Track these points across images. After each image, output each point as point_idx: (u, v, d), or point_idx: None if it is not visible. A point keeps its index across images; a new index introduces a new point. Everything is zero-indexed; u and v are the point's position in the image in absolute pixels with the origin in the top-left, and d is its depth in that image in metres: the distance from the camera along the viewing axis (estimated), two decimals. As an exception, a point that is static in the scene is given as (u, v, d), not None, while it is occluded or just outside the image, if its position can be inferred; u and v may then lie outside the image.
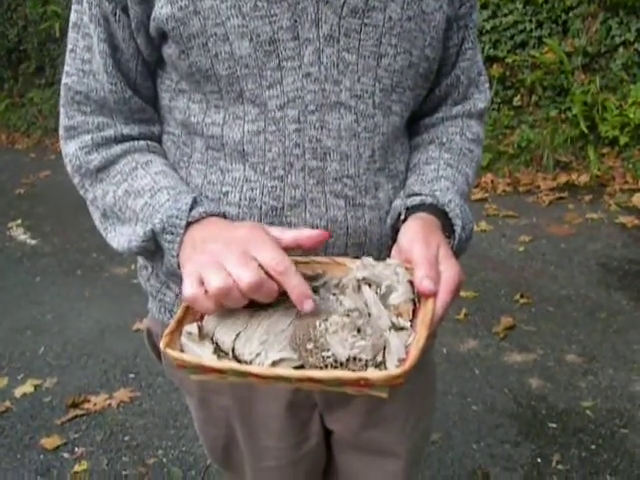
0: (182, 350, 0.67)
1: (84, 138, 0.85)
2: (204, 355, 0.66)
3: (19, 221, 4.65)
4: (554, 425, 2.27)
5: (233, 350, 0.66)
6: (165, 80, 0.86)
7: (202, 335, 0.67)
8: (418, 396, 1.05)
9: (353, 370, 0.62)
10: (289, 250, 0.71)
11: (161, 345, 0.65)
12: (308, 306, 0.65)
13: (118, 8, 0.79)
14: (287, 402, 0.95)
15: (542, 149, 4.58)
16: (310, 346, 0.63)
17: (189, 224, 0.75)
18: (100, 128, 0.85)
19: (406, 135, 0.95)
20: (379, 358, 0.63)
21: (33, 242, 4.29)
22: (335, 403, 0.99)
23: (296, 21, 0.78)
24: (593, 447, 2.15)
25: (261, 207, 0.82)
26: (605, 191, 4.27)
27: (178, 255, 0.75)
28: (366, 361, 0.62)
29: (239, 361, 0.65)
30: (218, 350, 0.67)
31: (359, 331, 0.64)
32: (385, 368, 0.63)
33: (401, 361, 0.63)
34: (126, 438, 2.34)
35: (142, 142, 0.87)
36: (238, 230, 0.71)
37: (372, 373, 0.59)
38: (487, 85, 1.01)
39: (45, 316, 3.26)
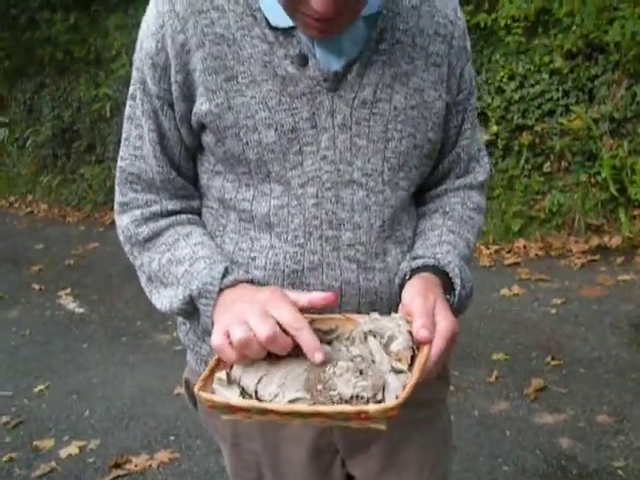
0: (214, 393, 0.79)
1: (135, 213, 1.00)
2: (231, 397, 0.77)
3: (68, 290, 4.83)
4: (586, 486, 2.28)
5: (256, 392, 0.78)
6: (204, 163, 1.01)
7: (230, 381, 0.80)
8: (433, 445, 1.13)
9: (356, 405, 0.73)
10: (306, 310, 0.84)
11: (195, 389, 0.77)
12: (318, 357, 0.77)
13: (165, 104, 0.95)
14: (311, 447, 1.05)
15: (573, 213, 4.64)
16: (320, 387, 0.75)
17: (221, 290, 0.89)
18: (148, 204, 1.00)
19: (413, 205, 1.07)
20: (379, 396, 0.74)
21: (81, 310, 4.46)
22: (355, 448, 1.08)
23: (314, 113, 0.92)
24: (626, 508, 2.16)
25: (284, 270, 0.95)
26: (637, 252, 4.29)
27: (212, 316, 0.88)
28: (367, 399, 0.73)
29: (260, 401, 0.77)
30: (244, 393, 0.79)
31: (361, 373, 0.75)
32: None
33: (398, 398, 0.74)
34: (166, 498, 2.42)
35: (184, 216, 1.01)
36: (261, 293, 0.84)
37: (370, 406, 0.70)
38: (487, 159, 1.13)
39: (91, 381, 3.39)
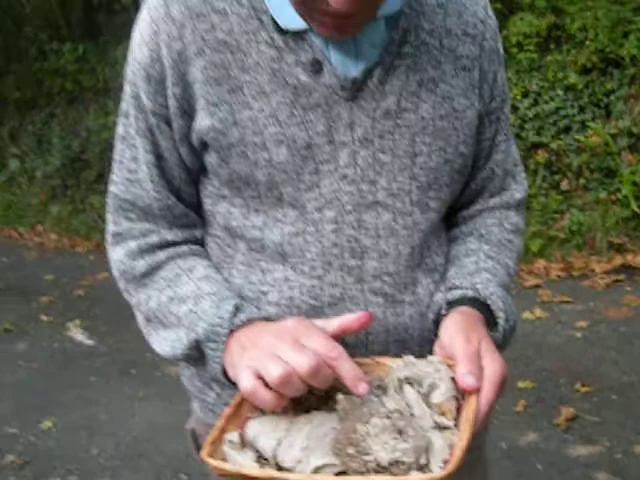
0: (224, 458, 0.67)
1: (130, 244, 0.89)
2: (246, 463, 0.65)
3: (77, 321, 4.73)
4: (628, 525, 2.13)
5: (275, 457, 0.65)
6: (207, 186, 0.90)
7: (244, 443, 0.67)
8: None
9: (395, 474, 0.60)
10: (336, 339, 0.72)
11: (202, 454, 0.65)
12: (363, 389, 0.67)
13: (162, 121, 0.84)
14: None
15: (594, 232, 4.51)
16: (351, 451, 0.62)
17: (232, 331, 0.77)
18: (145, 235, 0.89)
19: (443, 228, 0.96)
20: (422, 460, 0.62)
21: (90, 342, 4.36)
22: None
23: (331, 126, 0.81)
24: None
25: (300, 306, 0.84)
26: (663, 271, 4.15)
27: (222, 362, 0.77)
28: (409, 464, 0.61)
29: (281, 468, 0.65)
30: (260, 458, 0.66)
31: (401, 433, 0.62)
32: (429, 470, 0.61)
33: (445, 462, 0.61)
34: None
35: (185, 247, 0.90)
36: (285, 323, 0.73)
37: (413, 477, 0.58)
38: (524, 175, 1.02)
39: (99, 416, 3.27)
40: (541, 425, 2.75)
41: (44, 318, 4.87)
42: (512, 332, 0.87)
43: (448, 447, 0.63)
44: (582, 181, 4.73)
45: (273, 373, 0.66)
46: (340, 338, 0.74)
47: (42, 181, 8.12)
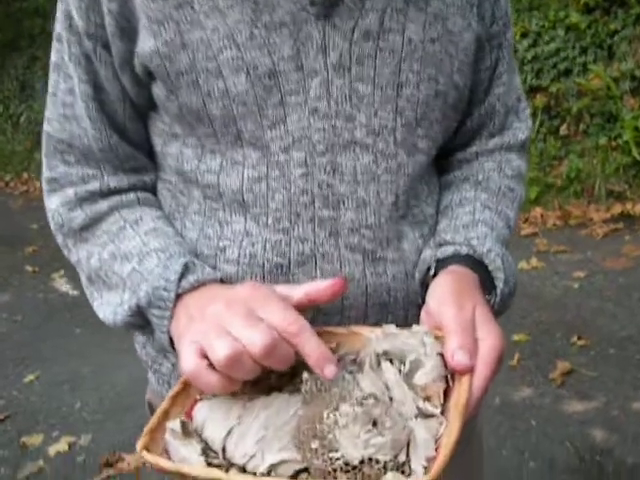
0: (166, 449, 0.55)
1: (67, 192, 0.76)
2: (190, 457, 0.54)
3: (62, 272, 4.65)
4: (624, 482, 2.08)
5: (224, 451, 0.54)
6: (157, 123, 0.76)
7: (188, 432, 0.56)
8: (465, 474, 0.91)
9: (368, 476, 0.49)
10: (302, 309, 0.60)
11: (137, 446, 0.54)
12: (330, 372, 0.55)
13: (99, 45, 0.71)
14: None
15: (593, 179, 4.41)
16: (315, 445, 0.50)
17: (179, 295, 0.66)
18: (85, 180, 0.76)
19: (433, 173, 0.83)
20: (402, 457, 0.50)
21: (75, 293, 4.28)
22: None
23: (299, 49, 0.68)
24: (669, 508, 1.95)
25: (263, 264, 0.71)
26: (664, 220, 4.06)
27: (169, 331, 0.65)
28: (385, 462, 0.49)
29: (231, 464, 0.53)
30: (207, 449, 0.55)
31: (375, 424, 0.51)
32: (409, 470, 0.50)
33: (429, 460, 0.50)
34: (160, 500, 2.23)
35: (131, 195, 0.77)
36: (239, 289, 0.61)
37: (390, 481, 0.46)
38: (528, 112, 0.89)
39: (83, 369, 3.21)
40: (536, 380, 2.69)
41: (29, 268, 4.80)
42: (511, 296, 0.75)
43: (433, 440, 0.51)
44: (582, 126, 4.60)
45: (219, 352, 0.54)
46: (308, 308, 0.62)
47: (27, 127, 7.93)
